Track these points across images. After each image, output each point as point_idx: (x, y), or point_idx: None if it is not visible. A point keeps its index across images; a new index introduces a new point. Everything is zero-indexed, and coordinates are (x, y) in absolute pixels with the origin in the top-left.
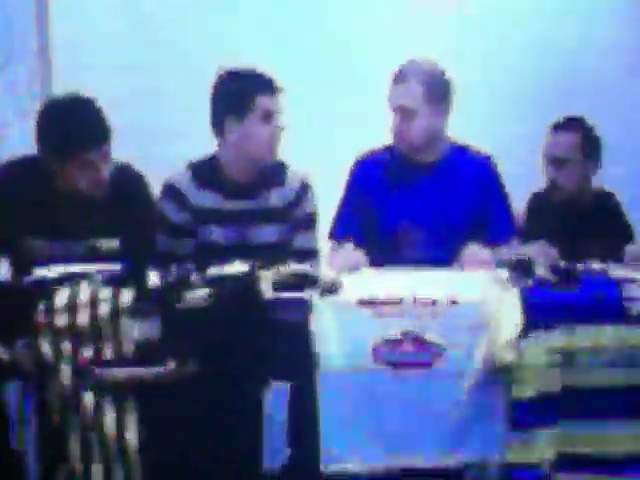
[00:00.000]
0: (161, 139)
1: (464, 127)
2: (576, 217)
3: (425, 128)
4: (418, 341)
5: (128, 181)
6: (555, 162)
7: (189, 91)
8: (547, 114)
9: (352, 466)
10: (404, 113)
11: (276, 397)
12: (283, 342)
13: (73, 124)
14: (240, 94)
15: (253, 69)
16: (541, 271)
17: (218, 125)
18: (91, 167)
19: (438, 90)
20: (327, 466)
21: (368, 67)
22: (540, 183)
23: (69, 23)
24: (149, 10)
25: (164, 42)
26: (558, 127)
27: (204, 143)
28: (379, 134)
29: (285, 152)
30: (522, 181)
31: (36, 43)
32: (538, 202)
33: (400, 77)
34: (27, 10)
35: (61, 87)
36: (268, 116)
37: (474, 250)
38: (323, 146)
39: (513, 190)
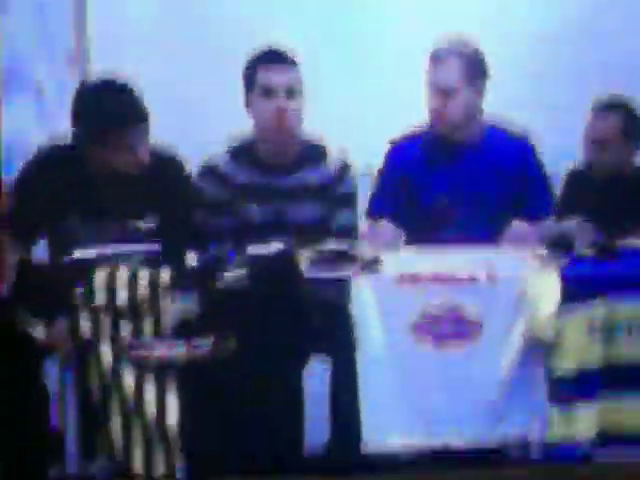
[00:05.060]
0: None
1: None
2: (614, 194)
3: (464, 107)
4: (458, 317)
5: (165, 162)
6: (596, 144)
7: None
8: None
9: (393, 444)
10: (443, 92)
11: (317, 374)
12: (323, 320)
13: (110, 105)
14: (245, 68)
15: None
16: (580, 246)
17: (245, 103)
18: (129, 149)
19: (476, 69)
20: (368, 444)
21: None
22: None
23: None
24: None
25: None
26: (601, 108)
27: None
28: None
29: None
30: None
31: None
32: (575, 178)
33: (438, 56)
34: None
35: None
36: (269, 91)
37: (519, 227)
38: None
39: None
